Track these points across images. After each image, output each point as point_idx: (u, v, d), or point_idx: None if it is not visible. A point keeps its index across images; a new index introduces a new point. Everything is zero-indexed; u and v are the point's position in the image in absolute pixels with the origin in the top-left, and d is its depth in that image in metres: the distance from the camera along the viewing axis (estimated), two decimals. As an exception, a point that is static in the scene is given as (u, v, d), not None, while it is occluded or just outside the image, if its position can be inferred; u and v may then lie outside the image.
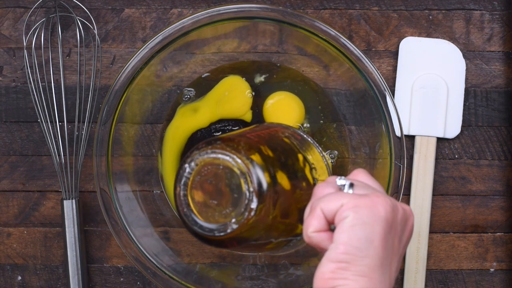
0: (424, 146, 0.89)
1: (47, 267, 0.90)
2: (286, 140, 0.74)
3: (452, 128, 0.89)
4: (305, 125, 0.86)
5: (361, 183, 0.65)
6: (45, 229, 0.90)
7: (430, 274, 0.91)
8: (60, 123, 0.88)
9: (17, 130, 0.90)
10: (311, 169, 0.73)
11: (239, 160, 0.64)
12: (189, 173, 0.66)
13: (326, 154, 0.86)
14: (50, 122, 0.87)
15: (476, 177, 0.90)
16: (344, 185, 0.64)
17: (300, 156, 0.73)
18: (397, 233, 0.62)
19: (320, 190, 0.64)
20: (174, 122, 0.86)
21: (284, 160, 0.70)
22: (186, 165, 0.66)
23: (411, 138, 0.90)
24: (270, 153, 0.69)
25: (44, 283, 0.90)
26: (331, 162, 0.86)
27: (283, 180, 0.68)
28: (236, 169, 0.64)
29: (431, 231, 0.90)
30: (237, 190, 0.65)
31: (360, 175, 0.67)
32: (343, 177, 0.64)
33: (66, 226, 0.86)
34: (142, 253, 0.79)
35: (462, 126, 0.90)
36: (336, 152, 0.86)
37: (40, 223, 0.90)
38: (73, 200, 0.86)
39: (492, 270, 0.91)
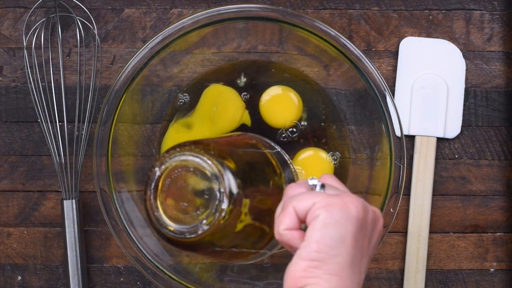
0: (424, 146, 0.89)
1: (47, 267, 0.90)
2: (256, 145, 0.75)
3: (452, 128, 0.89)
4: (302, 122, 0.86)
5: (332, 186, 0.65)
6: (45, 229, 0.90)
7: (430, 274, 0.91)
8: (60, 123, 0.88)
9: (17, 130, 0.90)
10: (281, 174, 0.74)
11: (209, 162, 0.64)
12: (159, 176, 0.66)
13: (329, 155, 0.86)
14: (50, 122, 0.87)
15: (476, 177, 0.90)
16: (315, 185, 0.64)
17: (269, 161, 0.74)
18: (367, 233, 0.63)
19: (291, 190, 0.65)
20: (168, 138, 0.86)
21: (254, 164, 0.71)
22: (156, 169, 0.66)
23: (411, 138, 0.90)
24: (240, 157, 0.69)
25: (44, 283, 0.90)
26: (334, 163, 0.86)
27: (253, 183, 0.68)
28: (206, 171, 0.64)
29: (431, 231, 0.90)
30: (208, 192, 0.65)
31: (328, 179, 0.67)
32: (314, 177, 0.65)
33: (66, 226, 0.86)
34: (142, 253, 0.79)
35: (462, 126, 0.90)
36: (338, 153, 0.86)
37: (40, 223, 0.90)
38: (73, 200, 0.86)
39: (492, 270, 0.91)
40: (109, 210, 0.79)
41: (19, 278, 0.90)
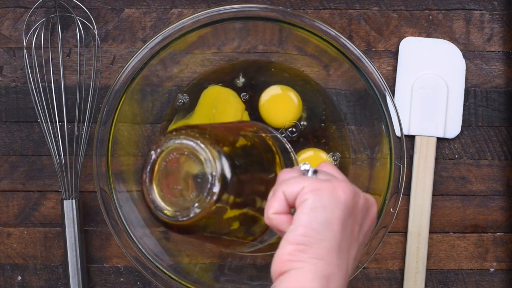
0: (424, 146, 0.89)
1: (47, 267, 0.90)
2: (255, 131, 0.75)
3: (452, 128, 0.89)
4: (302, 122, 0.86)
5: (325, 172, 0.65)
6: (45, 229, 0.90)
7: (430, 274, 0.91)
8: (60, 123, 0.88)
9: (17, 130, 0.90)
10: (280, 162, 0.74)
11: (202, 145, 0.65)
12: (155, 160, 0.66)
13: (329, 156, 0.86)
14: (50, 122, 0.87)
15: (476, 177, 0.90)
16: (307, 170, 0.64)
17: (269, 148, 0.74)
18: (357, 220, 0.62)
19: (284, 175, 0.65)
20: None
21: (252, 150, 0.71)
22: (152, 152, 0.66)
23: (411, 138, 0.90)
24: (238, 143, 0.69)
25: (44, 283, 0.90)
26: (334, 164, 0.86)
27: (251, 169, 0.68)
28: (199, 155, 0.65)
29: (431, 231, 0.90)
30: (201, 175, 0.65)
31: (325, 166, 0.67)
32: (307, 163, 0.65)
33: (66, 226, 0.86)
34: (142, 253, 0.79)
35: (462, 126, 0.90)
36: (338, 154, 0.86)
37: (40, 223, 0.90)
38: (73, 200, 0.86)
39: (492, 270, 0.91)
40: (109, 210, 0.79)
41: (19, 278, 0.90)
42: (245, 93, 0.86)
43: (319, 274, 0.58)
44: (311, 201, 0.60)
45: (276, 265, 0.60)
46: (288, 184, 0.62)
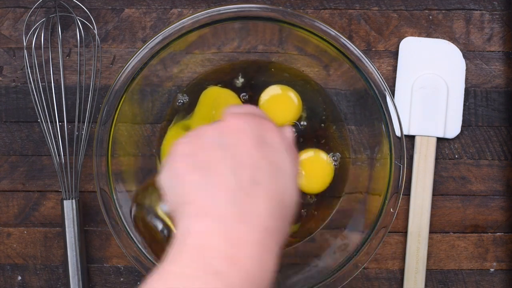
0: (424, 146, 0.89)
1: (47, 267, 0.90)
2: None
3: (452, 128, 0.89)
4: (302, 122, 0.86)
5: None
6: (45, 229, 0.90)
7: (430, 274, 0.91)
8: (60, 123, 0.88)
9: (17, 130, 0.90)
10: None
11: None
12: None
13: (329, 156, 0.86)
14: (50, 122, 0.87)
15: (476, 177, 0.90)
16: None
17: None
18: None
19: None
20: (167, 141, 0.85)
21: None
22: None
23: (411, 138, 0.90)
24: None
25: (44, 283, 0.90)
26: (335, 165, 0.86)
27: None
28: None
29: (431, 231, 0.90)
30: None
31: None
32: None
33: (66, 226, 0.86)
34: (142, 253, 0.79)
35: (462, 126, 0.90)
36: (338, 154, 0.86)
37: (40, 223, 0.90)
38: (73, 200, 0.86)
39: (492, 270, 0.91)
40: (109, 210, 0.79)
41: (19, 278, 0.90)
42: (244, 93, 0.86)
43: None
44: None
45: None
46: None
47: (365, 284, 0.91)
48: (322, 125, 0.87)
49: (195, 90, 0.86)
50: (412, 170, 0.89)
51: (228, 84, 0.86)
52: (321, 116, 0.87)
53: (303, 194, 0.86)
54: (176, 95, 0.86)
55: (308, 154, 0.86)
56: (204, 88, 0.86)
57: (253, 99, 0.86)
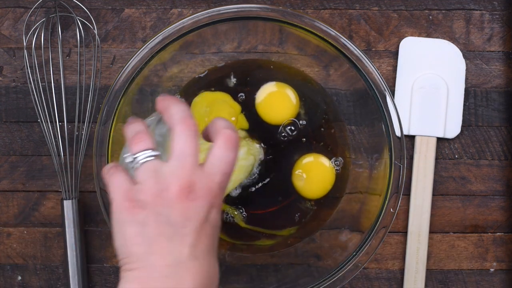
0: (424, 146, 0.89)
1: (47, 267, 0.90)
2: None
3: (452, 128, 0.89)
4: (301, 121, 0.86)
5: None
6: (45, 229, 0.90)
7: (430, 274, 0.91)
8: (60, 123, 0.88)
9: (17, 130, 0.90)
10: None
11: None
12: None
13: (331, 161, 0.86)
14: (50, 122, 0.87)
15: (476, 177, 0.90)
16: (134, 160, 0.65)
17: None
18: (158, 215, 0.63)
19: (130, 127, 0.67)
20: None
21: None
22: None
23: (411, 138, 0.90)
24: None
25: (44, 283, 0.90)
26: (336, 170, 0.86)
27: None
28: None
29: (431, 231, 0.90)
30: None
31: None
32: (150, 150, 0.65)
33: (66, 226, 0.86)
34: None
35: (462, 126, 0.90)
36: (341, 159, 0.86)
37: (40, 223, 0.90)
38: (73, 200, 0.86)
39: (492, 270, 0.91)
40: (109, 210, 0.79)
41: (19, 278, 0.90)
42: (242, 94, 0.86)
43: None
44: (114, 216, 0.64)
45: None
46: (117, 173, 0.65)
47: (365, 284, 0.91)
48: (323, 124, 0.87)
49: (190, 91, 0.86)
50: (412, 170, 0.89)
51: (226, 84, 0.86)
52: (322, 115, 0.87)
53: (303, 200, 0.86)
54: (175, 94, 0.86)
55: (310, 159, 0.86)
56: (196, 94, 0.85)
57: (250, 98, 0.86)
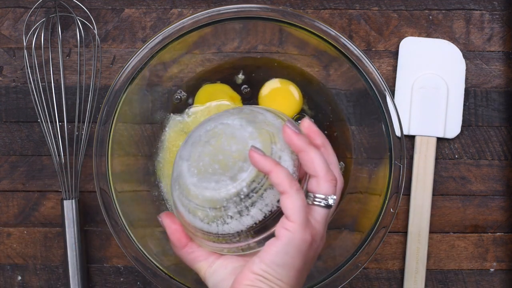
0: (424, 146, 0.89)
1: (47, 267, 0.90)
2: None
3: (452, 128, 0.89)
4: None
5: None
6: (45, 229, 0.90)
7: (430, 274, 0.91)
8: (60, 123, 0.88)
9: (17, 130, 0.90)
10: None
11: None
12: None
13: None
14: (50, 122, 0.87)
15: (476, 177, 0.90)
16: (322, 200, 0.68)
17: None
18: (309, 261, 0.68)
19: (317, 161, 0.67)
20: (169, 146, 0.85)
21: None
22: None
23: (411, 138, 0.90)
24: None
25: (44, 283, 0.90)
26: None
27: None
28: None
29: (431, 231, 0.90)
30: None
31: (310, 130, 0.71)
32: (334, 196, 0.68)
33: (66, 226, 0.86)
34: (142, 253, 0.79)
35: (462, 126, 0.90)
36: (342, 163, 0.86)
37: (40, 223, 0.90)
38: (73, 200, 0.86)
39: (492, 270, 0.91)
40: (109, 210, 0.79)
41: (19, 278, 0.90)
42: (246, 86, 0.86)
43: None
44: (279, 244, 0.65)
45: (236, 286, 0.66)
46: (295, 193, 0.65)
47: (365, 284, 0.91)
48: (326, 128, 0.87)
49: (193, 86, 0.86)
50: (412, 170, 0.89)
51: (229, 82, 0.86)
52: (323, 115, 0.87)
53: None
54: (176, 91, 0.86)
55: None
56: (201, 86, 0.86)
57: (253, 95, 0.86)
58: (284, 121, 0.71)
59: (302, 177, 0.69)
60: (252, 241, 0.69)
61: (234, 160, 0.68)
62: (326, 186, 0.67)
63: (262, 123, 0.70)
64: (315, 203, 0.67)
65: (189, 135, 0.73)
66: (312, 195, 0.67)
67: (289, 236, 0.65)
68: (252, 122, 0.70)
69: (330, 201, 0.67)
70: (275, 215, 0.68)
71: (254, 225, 0.68)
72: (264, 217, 0.68)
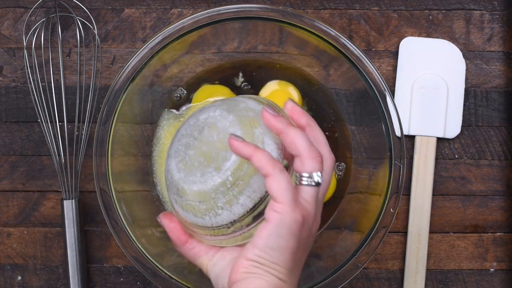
0: (424, 146, 0.89)
1: (47, 267, 0.90)
2: None
3: (452, 128, 0.89)
4: None
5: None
6: (45, 229, 0.90)
7: (430, 274, 0.91)
8: (60, 123, 0.88)
9: (17, 130, 0.90)
10: None
11: None
12: None
13: (334, 168, 0.86)
14: (50, 122, 0.87)
15: (476, 177, 0.90)
16: (308, 179, 0.66)
17: None
18: (303, 242, 0.67)
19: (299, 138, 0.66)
20: (165, 143, 0.85)
21: None
22: None
23: (411, 138, 0.90)
24: None
25: (44, 283, 0.90)
26: (339, 175, 0.86)
27: None
28: None
29: (431, 231, 0.90)
30: None
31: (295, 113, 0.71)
32: (319, 174, 0.66)
33: (66, 226, 0.86)
34: (142, 253, 0.79)
35: (462, 126, 0.90)
36: (343, 164, 0.86)
37: (40, 223, 0.90)
38: (73, 200, 0.86)
39: (492, 270, 0.91)
40: (109, 210, 0.79)
41: (19, 278, 0.90)
42: (246, 83, 0.86)
43: (272, 283, 0.65)
44: (270, 227, 0.64)
45: (234, 275, 0.66)
46: (278, 174, 0.64)
47: (365, 284, 0.91)
48: (327, 130, 0.87)
49: (193, 86, 0.86)
50: (412, 170, 0.89)
51: (229, 82, 0.86)
52: (323, 115, 0.87)
53: None
54: (176, 89, 0.86)
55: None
56: (200, 86, 0.86)
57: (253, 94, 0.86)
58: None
59: (290, 160, 0.69)
60: (247, 229, 0.69)
61: (217, 151, 0.68)
62: (310, 164, 0.65)
63: (243, 110, 0.70)
64: (302, 182, 0.66)
65: (175, 133, 0.74)
66: (298, 175, 0.66)
67: (279, 218, 0.64)
68: (233, 110, 0.70)
69: (316, 178, 0.65)
70: (266, 201, 0.68)
71: (246, 213, 0.68)
72: (254, 204, 0.68)
